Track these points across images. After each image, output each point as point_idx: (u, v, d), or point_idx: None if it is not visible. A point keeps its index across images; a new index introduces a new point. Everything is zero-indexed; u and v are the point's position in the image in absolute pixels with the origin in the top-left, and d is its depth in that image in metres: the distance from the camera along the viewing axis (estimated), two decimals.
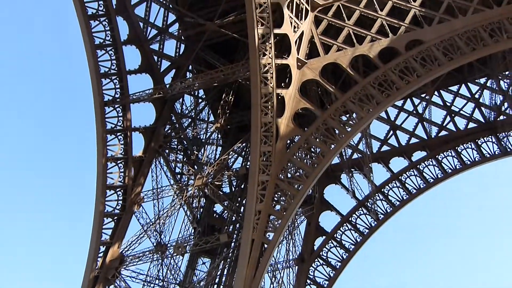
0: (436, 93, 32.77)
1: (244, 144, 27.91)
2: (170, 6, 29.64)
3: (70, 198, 70.43)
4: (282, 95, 21.70)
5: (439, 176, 30.95)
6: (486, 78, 32.64)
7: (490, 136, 31.09)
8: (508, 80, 31.78)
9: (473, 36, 21.73)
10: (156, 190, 26.29)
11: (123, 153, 26.05)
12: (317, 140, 21.18)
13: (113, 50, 26.71)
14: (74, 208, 67.49)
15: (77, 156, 73.76)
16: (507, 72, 31.59)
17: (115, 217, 25.34)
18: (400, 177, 31.16)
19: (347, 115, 22.82)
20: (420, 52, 21.76)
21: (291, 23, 22.62)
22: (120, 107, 26.71)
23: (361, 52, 22.63)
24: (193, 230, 26.31)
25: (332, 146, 21.01)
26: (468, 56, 21.93)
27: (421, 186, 30.91)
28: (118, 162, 25.84)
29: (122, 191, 25.72)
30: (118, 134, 26.27)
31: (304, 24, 23.77)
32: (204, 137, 29.17)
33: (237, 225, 25.75)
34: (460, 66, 25.76)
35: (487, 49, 22.09)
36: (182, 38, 30.39)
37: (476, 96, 32.57)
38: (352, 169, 31.15)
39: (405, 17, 23.57)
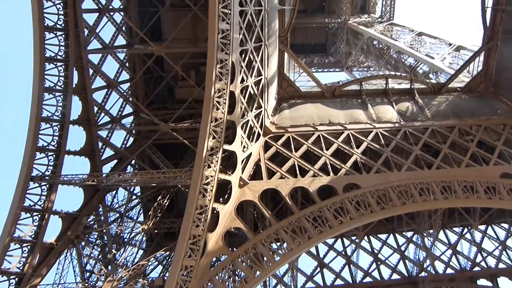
0: (366, 238, 33.67)
1: (167, 253, 26.43)
2: (130, 99, 30.02)
3: None
4: (218, 210, 21.29)
5: None
6: (413, 232, 34.24)
7: None
8: (431, 239, 33.43)
9: (405, 191, 23.12)
10: (57, 286, 23.47)
11: (32, 236, 23.58)
12: (244, 264, 20.40)
13: (58, 126, 25.96)
14: None
15: None
16: (431, 231, 33.36)
17: None
18: None
19: (278, 244, 22.52)
20: (356, 196, 22.63)
21: (242, 142, 23.21)
22: (47, 185, 24.98)
23: (302, 184, 23.24)
24: None
25: (258, 273, 20.22)
26: (398, 208, 23.01)
27: None
28: (24, 245, 23.19)
29: (16, 279, 22.50)
30: (35, 214, 24.08)
31: (254, 146, 24.48)
32: (127, 237, 27.43)
33: None
34: (391, 216, 27.09)
35: (415, 206, 23.40)
36: (133, 131, 30.29)
37: (402, 248, 33.77)
38: None
39: (347, 160, 24.96)
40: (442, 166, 24.63)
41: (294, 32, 48.91)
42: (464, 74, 32.98)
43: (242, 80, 23.58)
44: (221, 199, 22.34)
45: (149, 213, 27.01)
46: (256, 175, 24.13)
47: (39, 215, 24.18)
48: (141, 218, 29.44)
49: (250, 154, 23.97)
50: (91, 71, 27.35)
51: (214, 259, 21.62)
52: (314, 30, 56.61)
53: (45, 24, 24.87)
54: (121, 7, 29.42)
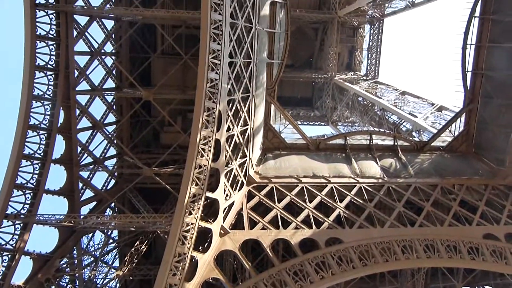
0: None
1: None
2: (114, 141, 29.88)
3: None
4: (196, 258, 20.67)
5: None
6: None
7: None
8: None
9: (388, 248, 22.89)
10: None
11: (0, 278, 22.50)
12: None
13: (40, 164, 25.52)
14: None
15: None
16: None
17: None
18: None
19: None
20: (338, 251, 22.29)
21: (225, 190, 22.98)
22: (21, 224, 24.15)
23: (283, 236, 22.84)
24: None
25: None
26: (380, 266, 22.67)
27: None
28: None
29: None
30: (5, 253, 23.10)
31: (237, 195, 24.23)
32: (100, 283, 26.32)
33: None
34: (373, 273, 26.56)
35: (398, 264, 23.08)
36: (115, 174, 29.92)
37: None
38: None
39: (330, 214, 24.76)
40: (425, 224, 24.60)
41: (282, 84, 50.19)
42: (446, 133, 33.78)
43: (228, 129, 23.74)
44: (200, 247, 21.76)
45: (125, 259, 26.16)
46: (237, 224, 23.73)
47: (9, 255, 23.23)
48: (116, 264, 28.45)
49: (233, 203, 23.67)
50: (77, 111, 27.39)
51: None
52: (301, 84, 58.09)
53: (36, 63, 25.11)
54: (113, 51, 30.00)
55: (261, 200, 25.04)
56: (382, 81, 54.84)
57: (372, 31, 58.33)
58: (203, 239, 22.08)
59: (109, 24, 29.30)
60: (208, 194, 21.78)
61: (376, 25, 57.59)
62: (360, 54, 59.21)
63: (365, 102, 51.71)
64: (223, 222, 22.32)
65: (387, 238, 23.34)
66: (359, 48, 59.14)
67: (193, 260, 20.63)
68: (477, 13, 29.70)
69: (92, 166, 28.47)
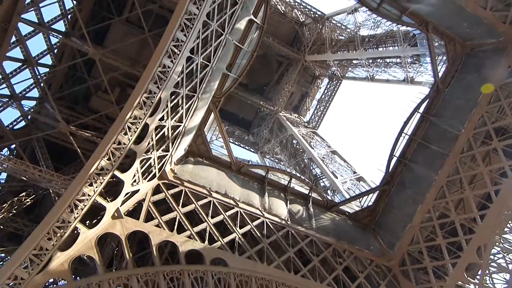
0: None
1: (3, 255, 23.38)
2: (41, 84, 27.98)
3: None
4: (79, 231, 19.63)
5: None
6: None
7: None
8: None
9: (266, 286, 23.39)
10: None
11: None
12: None
13: None
14: None
15: None
16: None
17: None
18: None
19: None
20: (220, 272, 22.41)
21: (135, 175, 22.25)
22: None
23: (174, 240, 22.45)
24: None
25: None
26: None
27: None
28: None
29: None
30: None
31: (144, 185, 23.53)
32: None
33: None
34: None
35: None
36: (28, 117, 27.90)
37: None
38: None
39: (226, 235, 24.72)
40: (307, 276, 25.40)
41: (229, 99, 50.49)
42: (356, 202, 35.64)
43: (162, 119, 23.20)
44: (87, 222, 20.71)
45: (3, 205, 24.14)
46: (134, 213, 22.96)
47: None
48: None
49: (137, 190, 22.94)
50: (13, 39, 25.34)
51: (52, 280, 19.46)
52: (247, 106, 58.77)
53: None
54: None
55: (166, 199, 24.54)
56: (320, 133, 57.06)
57: (328, 86, 60.97)
58: (95, 215, 21.10)
59: None
60: (117, 173, 20.98)
61: (334, 82, 60.30)
62: (310, 101, 61.43)
63: (297, 147, 53.33)
64: (121, 206, 21.52)
65: (269, 276, 23.80)
66: (311, 96, 61.40)
67: (75, 231, 19.57)
68: (422, 109, 32.03)
69: (7, 100, 26.34)
